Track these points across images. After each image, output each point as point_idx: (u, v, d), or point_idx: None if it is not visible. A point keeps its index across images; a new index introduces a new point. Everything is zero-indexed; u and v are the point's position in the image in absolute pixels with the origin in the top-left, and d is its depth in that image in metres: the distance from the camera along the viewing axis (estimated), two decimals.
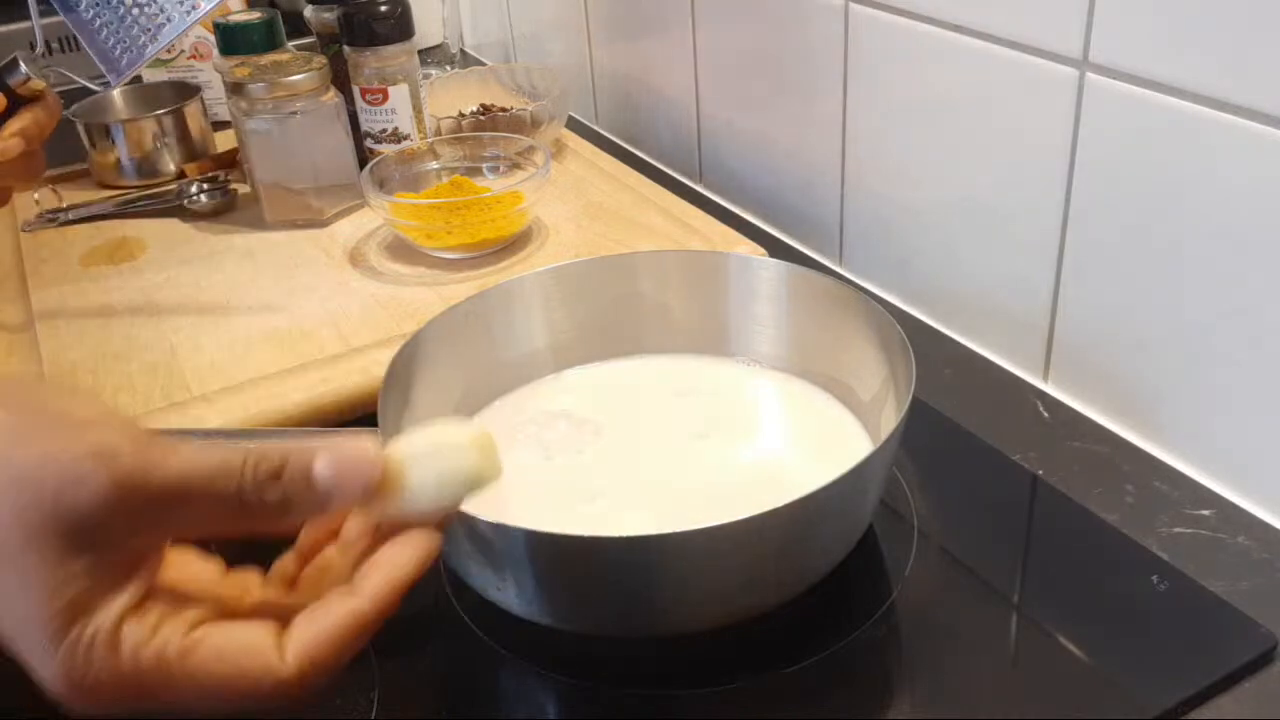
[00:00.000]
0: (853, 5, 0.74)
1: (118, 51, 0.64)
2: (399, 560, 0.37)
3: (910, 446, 0.59)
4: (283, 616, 0.36)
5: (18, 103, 0.66)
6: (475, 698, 0.51)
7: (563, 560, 0.47)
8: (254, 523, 0.36)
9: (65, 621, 0.33)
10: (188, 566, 0.39)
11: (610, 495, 0.56)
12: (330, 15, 0.97)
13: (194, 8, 0.62)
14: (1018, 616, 0.52)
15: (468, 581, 0.50)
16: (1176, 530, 0.56)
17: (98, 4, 0.63)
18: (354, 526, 0.40)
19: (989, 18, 0.64)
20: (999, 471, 0.61)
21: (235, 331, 0.74)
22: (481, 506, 0.45)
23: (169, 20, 0.63)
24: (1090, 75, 0.59)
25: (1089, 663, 0.49)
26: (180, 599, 0.36)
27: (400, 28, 0.89)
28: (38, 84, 0.65)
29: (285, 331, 0.74)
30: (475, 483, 0.39)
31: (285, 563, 0.41)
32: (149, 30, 0.63)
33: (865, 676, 0.50)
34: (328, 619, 0.36)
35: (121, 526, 0.34)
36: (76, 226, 0.92)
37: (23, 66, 0.65)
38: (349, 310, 0.76)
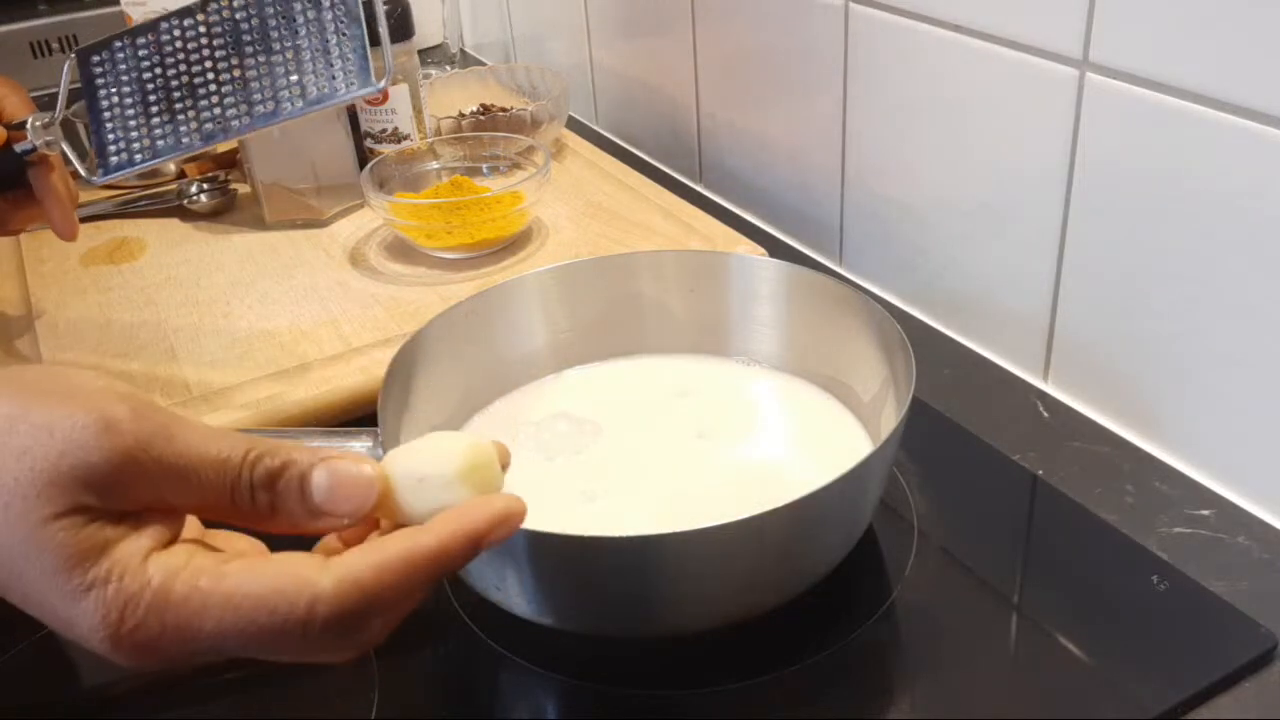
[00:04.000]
0: (853, 5, 0.74)
1: (112, 151, 0.63)
2: (476, 511, 0.36)
3: (910, 446, 0.59)
4: None
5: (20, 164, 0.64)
6: (475, 698, 0.51)
7: (563, 560, 0.47)
8: (243, 519, 0.36)
9: (84, 561, 0.33)
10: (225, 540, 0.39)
11: (610, 495, 0.56)
12: None
13: (210, 137, 0.61)
14: (1018, 616, 0.52)
15: (468, 581, 0.50)
16: (1176, 530, 0.56)
17: (115, 102, 0.63)
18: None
19: (989, 18, 0.64)
20: (999, 471, 0.61)
21: (235, 331, 0.74)
22: None
23: (181, 144, 0.62)
24: (1090, 75, 0.59)
25: (1089, 663, 0.49)
26: (212, 545, 0.36)
27: (400, 28, 0.90)
28: (50, 153, 0.64)
29: (285, 331, 0.74)
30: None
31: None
32: (151, 144, 0.62)
33: (865, 676, 0.50)
34: (383, 546, 0.35)
35: (124, 489, 0.34)
36: None
37: (30, 138, 0.63)
38: (349, 310, 0.76)
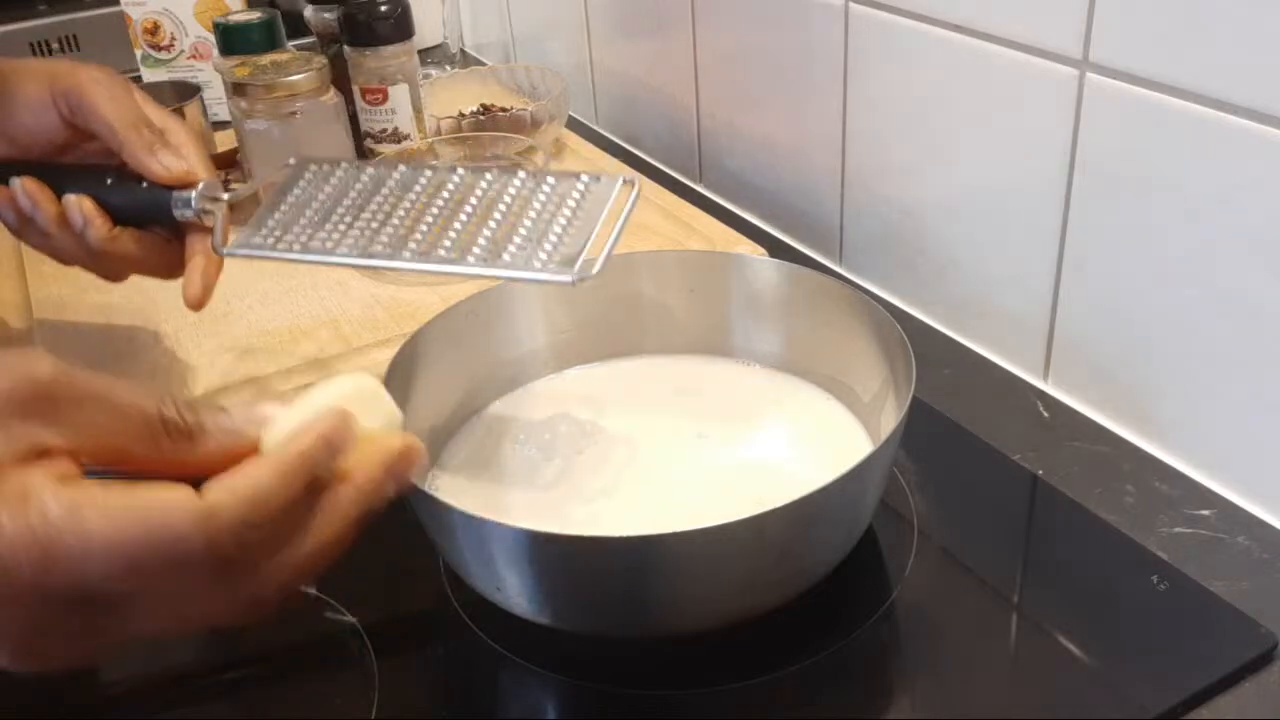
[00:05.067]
0: (853, 5, 0.74)
1: (261, 233, 0.58)
2: (379, 446, 0.40)
3: (910, 446, 0.59)
4: None
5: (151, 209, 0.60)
6: (475, 698, 0.51)
7: (563, 560, 0.47)
8: (169, 446, 0.37)
9: None
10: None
11: (610, 495, 0.56)
12: (330, 15, 0.97)
13: (370, 258, 0.55)
14: (1018, 616, 0.52)
15: (468, 581, 0.50)
16: (1176, 530, 0.56)
17: (301, 201, 0.58)
18: None
19: (989, 18, 0.64)
20: (999, 471, 0.61)
21: (235, 331, 0.74)
22: (482, 507, 0.45)
23: (332, 255, 0.56)
24: (1090, 75, 0.59)
25: (1089, 663, 0.49)
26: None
27: (400, 28, 0.90)
28: (203, 222, 0.60)
29: (285, 331, 0.74)
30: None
31: None
32: (303, 244, 0.57)
33: (865, 676, 0.50)
34: (247, 464, 0.37)
35: (47, 406, 0.35)
36: None
37: (194, 204, 0.60)
38: (349, 310, 0.76)
